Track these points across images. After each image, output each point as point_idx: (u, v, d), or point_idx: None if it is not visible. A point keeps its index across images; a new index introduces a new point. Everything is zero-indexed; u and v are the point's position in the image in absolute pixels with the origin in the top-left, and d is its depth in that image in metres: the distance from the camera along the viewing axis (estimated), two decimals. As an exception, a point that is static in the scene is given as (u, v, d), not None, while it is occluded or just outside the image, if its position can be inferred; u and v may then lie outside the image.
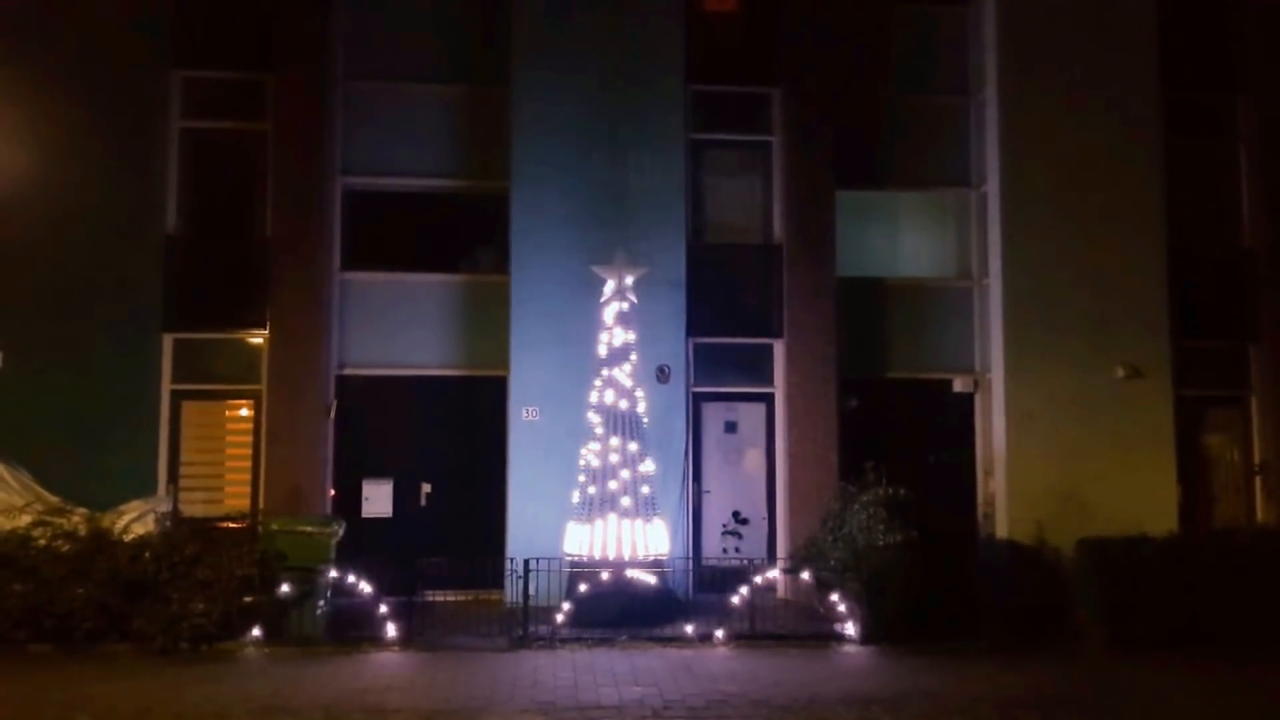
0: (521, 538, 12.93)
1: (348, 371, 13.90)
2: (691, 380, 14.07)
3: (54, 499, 11.39)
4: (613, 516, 12.04)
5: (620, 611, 11.48)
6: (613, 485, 12.12)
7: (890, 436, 13.92)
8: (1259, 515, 14.56)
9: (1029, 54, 14.33)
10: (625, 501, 12.09)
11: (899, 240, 15.31)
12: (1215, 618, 11.10)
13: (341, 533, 11.57)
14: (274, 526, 11.32)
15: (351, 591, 11.40)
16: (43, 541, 10.74)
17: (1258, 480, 14.70)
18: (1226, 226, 15.04)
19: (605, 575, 11.73)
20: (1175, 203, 14.47)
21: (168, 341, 13.63)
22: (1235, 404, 14.92)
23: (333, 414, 13.63)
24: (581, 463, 12.46)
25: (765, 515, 14.21)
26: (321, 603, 11.14)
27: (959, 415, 14.65)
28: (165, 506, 11.94)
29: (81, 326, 13.21)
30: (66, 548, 10.69)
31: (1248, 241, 14.97)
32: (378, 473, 13.84)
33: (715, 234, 14.50)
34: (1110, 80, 14.35)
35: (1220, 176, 15.07)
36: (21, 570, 10.52)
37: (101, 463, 12.87)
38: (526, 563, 11.33)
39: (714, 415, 14.37)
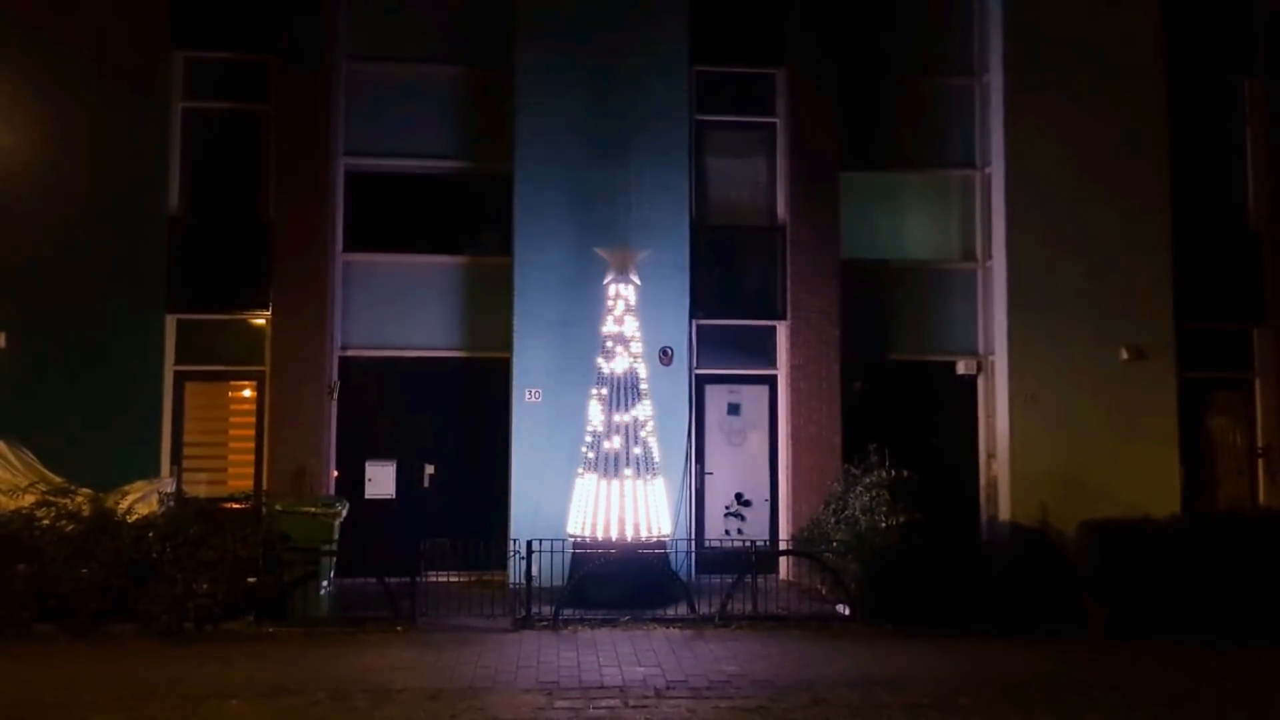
0: (524, 519, 12.95)
1: (351, 353, 13.89)
2: (694, 362, 14.05)
3: (58, 479, 11.38)
4: (615, 494, 12.05)
5: (623, 592, 11.50)
6: (616, 463, 12.13)
7: (893, 419, 13.87)
8: (1262, 498, 14.55)
9: (1034, 35, 14.24)
10: (628, 471, 12.11)
11: (903, 222, 15.24)
12: (1219, 600, 11.05)
13: (345, 514, 11.60)
14: (278, 507, 11.35)
15: (355, 572, 11.39)
16: (47, 522, 10.76)
17: (1260, 463, 14.68)
18: (1231, 208, 14.96)
19: (608, 556, 11.77)
20: (1180, 184, 14.41)
21: (170, 322, 13.59)
22: (1239, 386, 14.87)
23: (335, 395, 13.64)
24: (587, 440, 12.45)
25: (768, 497, 14.21)
26: (325, 583, 11.18)
27: (962, 397, 14.62)
28: (169, 487, 11.96)
29: (84, 307, 13.17)
30: (70, 528, 10.70)
31: (1253, 223, 14.91)
32: (381, 454, 13.84)
33: (719, 215, 14.45)
34: (1116, 61, 14.27)
35: (1226, 158, 15.00)
36: (26, 550, 10.55)
37: (104, 443, 12.83)
38: (529, 544, 11.35)
39: (717, 397, 14.35)
